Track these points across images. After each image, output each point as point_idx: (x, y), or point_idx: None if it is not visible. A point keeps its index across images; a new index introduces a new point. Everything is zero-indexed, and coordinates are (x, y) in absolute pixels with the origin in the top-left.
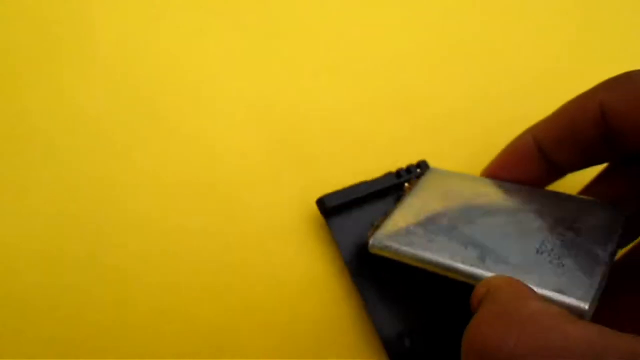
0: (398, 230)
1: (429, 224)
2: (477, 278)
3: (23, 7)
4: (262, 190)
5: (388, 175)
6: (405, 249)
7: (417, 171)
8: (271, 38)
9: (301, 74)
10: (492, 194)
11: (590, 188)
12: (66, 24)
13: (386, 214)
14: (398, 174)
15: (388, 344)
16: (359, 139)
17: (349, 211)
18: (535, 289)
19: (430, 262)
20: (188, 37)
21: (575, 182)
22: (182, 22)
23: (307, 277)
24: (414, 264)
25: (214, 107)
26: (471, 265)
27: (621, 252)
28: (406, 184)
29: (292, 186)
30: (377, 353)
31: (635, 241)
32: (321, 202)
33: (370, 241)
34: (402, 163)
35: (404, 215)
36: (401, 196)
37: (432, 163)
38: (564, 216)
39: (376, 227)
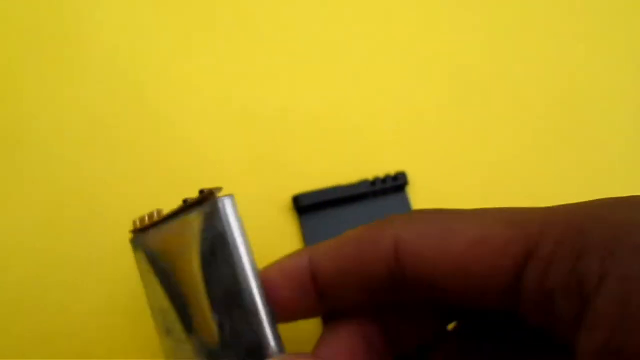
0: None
1: None
2: None
3: (17, 11)
4: (243, 183)
5: (363, 182)
6: None
7: (392, 181)
8: (255, 43)
9: (283, 77)
10: None
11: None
12: (61, 26)
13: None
14: (373, 182)
15: None
16: (341, 143)
17: (321, 211)
18: None
19: None
20: (174, 44)
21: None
22: (170, 29)
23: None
24: None
25: (197, 108)
26: None
27: None
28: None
29: (272, 182)
30: None
31: None
32: (296, 200)
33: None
34: (381, 171)
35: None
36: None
37: (413, 174)
38: None
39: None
